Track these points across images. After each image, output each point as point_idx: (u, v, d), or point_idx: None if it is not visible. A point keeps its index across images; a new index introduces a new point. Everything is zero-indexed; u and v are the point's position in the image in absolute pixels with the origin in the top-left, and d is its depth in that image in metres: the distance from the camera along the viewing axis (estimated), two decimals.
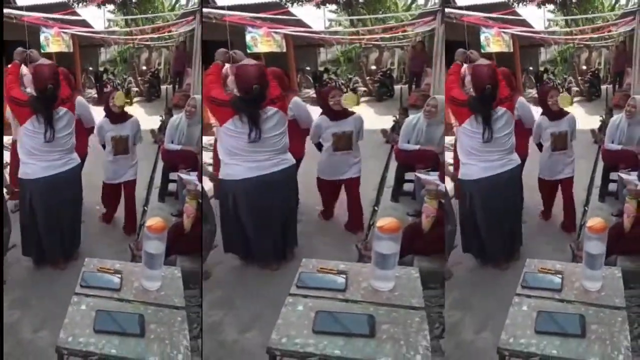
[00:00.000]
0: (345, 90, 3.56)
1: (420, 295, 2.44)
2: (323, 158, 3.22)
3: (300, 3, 3.49)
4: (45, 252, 3.01)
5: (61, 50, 3.46)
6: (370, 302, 2.39)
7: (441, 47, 3.30)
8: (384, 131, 3.39)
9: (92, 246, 3.12)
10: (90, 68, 3.55)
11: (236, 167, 2.86)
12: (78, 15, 3.44)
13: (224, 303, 2.81)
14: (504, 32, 3.53)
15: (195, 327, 2.69)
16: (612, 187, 3.27)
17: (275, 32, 3.49)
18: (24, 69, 2.95)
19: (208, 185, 3.13)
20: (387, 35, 3.60)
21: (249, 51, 3.31)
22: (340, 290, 2.44)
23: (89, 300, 2.45)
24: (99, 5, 3.41)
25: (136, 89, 3.53)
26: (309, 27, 3.50)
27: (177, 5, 3.41)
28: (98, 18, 3.44)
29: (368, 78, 3.64)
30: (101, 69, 3.52)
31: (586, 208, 3.25)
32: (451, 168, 3.10)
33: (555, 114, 3.24)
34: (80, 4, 3.40)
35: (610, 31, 3.59)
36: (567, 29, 3.62)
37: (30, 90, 2.92)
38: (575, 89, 3.65)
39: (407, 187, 3.22)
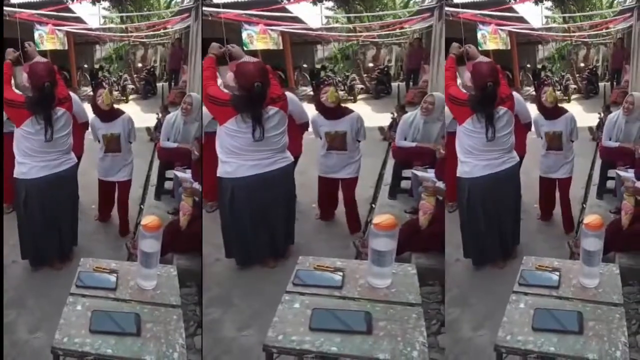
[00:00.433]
0: (342, 88, 3.56)
1: (417, 291, 2.43)
2: (319, 155, 3.21)
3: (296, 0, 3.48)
4: (42, 252, 2.99)
5: (56, 48, 3.44)
6: (367, 299, 2.38)
7: (439, 44, 3.30)
8: (381, 128, 3.38)
9: (88, 245, 3.11)
10: (86, 65, 3.54)
11: (235, 165, 2.85)
12: (72, 12, 3.43)
13: (221, 301, 2.80)
14: (501, 29, 3.52)
15: (192, 324, 2.68)
16: (610, 184, 3.27)
17: (272, 30, 3.48)
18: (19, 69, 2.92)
19: None
20: (385, 32, 3.59)
21: (245, 48, 3.29)
22: (337, 287, 2.44)
23: (84, 301, 2.44)
24: (93, 2, 3.40)
25: (132, 86, 3.52)
26: (306, 24, 3.49)
27: (173, 3, 3.40)
28: (93, 15, 3.43)
29: (365, 75, 3.63)
30: (96, 66, 3.51)
31: (584, 205, 3.25)
32: None
33: (550, 112, 3.20)
34: (75, 1, 3.39)
35: (607, 28, 3.58)
36: (565, 26, 3.61)
37: (27, 85, 2.87)
38: (573, 86, 3.64)
39: (405, 184, 3.22)
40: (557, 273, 2.56)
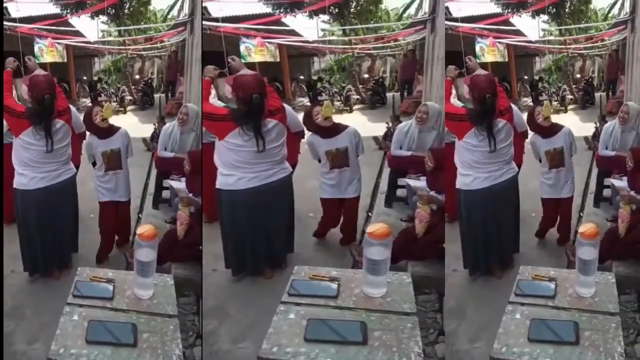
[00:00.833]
0: (339, 98, 3.58)
1: (413, 300, 2.42)
2: (321, 176, 3.19)
3: (293, 14, 3.53)
4: (41, 262, 2.98)
5: (55, 60, 3.49)
6: (363, 308, 2.37)
7: (432, 55, 3.33)
8: (375, 138, 3.39)
9: (86, 255, 3.11)
10: (85, 78, 3.59)
11: (235, 177, 2.85)
12: (71, 25, 3.47)
13: (218, 312, 2.79)
14: (498, 42, 3.56)
15: (191, 335, 2.66)
16: (606, 192, 3.27)
17: (269, 42, 3.53)
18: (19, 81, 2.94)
19: None
20: (379, 45, 3.63)
21: (242, 61, 3.33)
22: (332, 297, 2.43)
23: (81, 310, 2.43)
24: (92, 16, 3.45)
25: (130, 97, 3.55)
26: (303, 37, 3.53)
27: (169, 16, 3.45)
28: (91, 29, 3.47)
29: (361, 86, 3.66)
30: (95, 78, 3.55)
31: (581, 214, 3.25)
32: None
33: (546, 130, 3.19)
34: (73, 15, 3.44)
35: (603, 40, 3.62)
36: (561, 39, 3.65)
37: (27, 97, 2.89)
38: (569, 96, 3.67)
39: (401, 192, 3.22)
40: (554, 282, 2.54)
